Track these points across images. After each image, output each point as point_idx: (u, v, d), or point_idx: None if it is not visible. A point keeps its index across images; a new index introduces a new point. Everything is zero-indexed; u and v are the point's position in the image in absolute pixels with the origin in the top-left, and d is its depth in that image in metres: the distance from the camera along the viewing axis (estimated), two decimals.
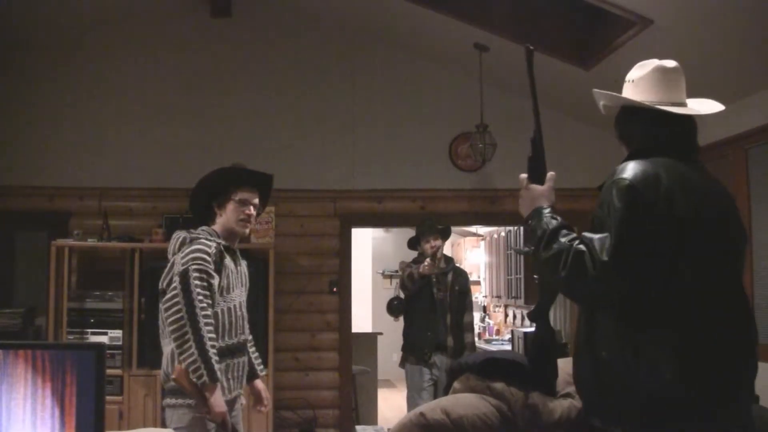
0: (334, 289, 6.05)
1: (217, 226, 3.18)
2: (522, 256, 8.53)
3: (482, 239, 11.23)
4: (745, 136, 4.66)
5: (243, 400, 3.28)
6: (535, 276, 2.29)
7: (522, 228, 8.38)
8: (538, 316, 2.35)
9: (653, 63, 2.20)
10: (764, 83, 4.42)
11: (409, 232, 5.97)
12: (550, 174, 2.22)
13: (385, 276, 11.96)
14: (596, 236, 1.93)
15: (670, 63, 2.19)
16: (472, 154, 5.86)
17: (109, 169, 5.90)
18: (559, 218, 2.09)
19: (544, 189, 2.19)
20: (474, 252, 11.74)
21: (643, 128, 2.15)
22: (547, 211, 2.12)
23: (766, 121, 4.46)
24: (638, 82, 2.19)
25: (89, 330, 5.29)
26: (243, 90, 6.09)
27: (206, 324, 2.91)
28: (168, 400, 3.04)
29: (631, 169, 2.00)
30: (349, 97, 6.15)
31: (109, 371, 4.80)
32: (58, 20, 5.69)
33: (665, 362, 1.90)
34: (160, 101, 6.00)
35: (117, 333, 5.31)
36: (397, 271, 10.94)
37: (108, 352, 5.02)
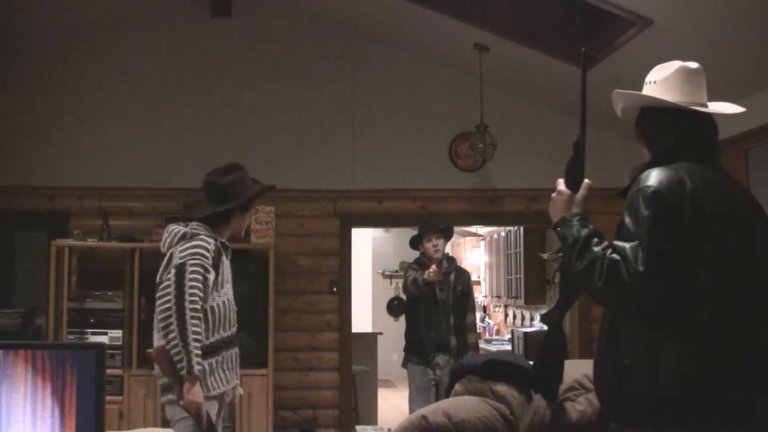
0: (334, 289, 6.04)
1: (229, 228, 3.33)
2: (522, 257, 8.51)
3: (482, 239, 11.24)
4: (745, 136, 4.65)
5: (240, 390, 3.37)
6: (556, 280, 2.27)
7: (522, 228, 8.37)
8: (556, 320, 2.32)
9: (676, 64, 2.19)
10: (764, 83, 4.42)
11: (409, 232, 5.97)
12: (586, 182, 2.19)
13: (385, 276, 11.95)
14: (627, 245, 1.95)
15: (693, 64, 2.19)
16: (472, 154, 5.86)
17: (109, 169, 5.89)
18: (589, 226, 2.08)
19: (577, 196, 2.17)
20: (474, 252, 11.74)
21: (667, 128, 2.16)
22: (576, 218, 2.11)
23: (766, 121, 4.45)
24: (661, 84, 2.18)
25: (89, 330, 5.29)
26: (243, 90, 6.08)
27: (193, 318, 2.97)
28: (170, 396, 3.09)
29: (655, 176, 2.02)
30: (349, 97, 6.14)
31: (109, 371, 4.79)
32: (57, 20, 5.69)
33: (688, 368, 1.91)
34: (160, 101, 5.99)
35: (117, 333, 5.30)
36: (397, 271, 10.96)
37: (108, 352, 5.02)
